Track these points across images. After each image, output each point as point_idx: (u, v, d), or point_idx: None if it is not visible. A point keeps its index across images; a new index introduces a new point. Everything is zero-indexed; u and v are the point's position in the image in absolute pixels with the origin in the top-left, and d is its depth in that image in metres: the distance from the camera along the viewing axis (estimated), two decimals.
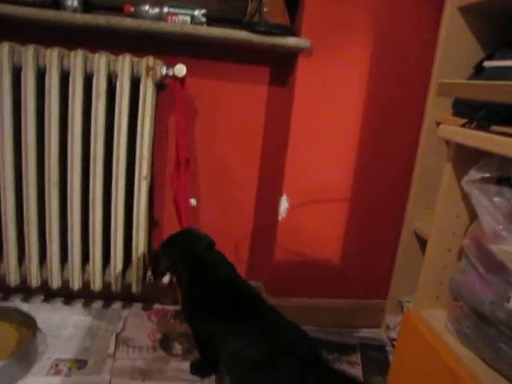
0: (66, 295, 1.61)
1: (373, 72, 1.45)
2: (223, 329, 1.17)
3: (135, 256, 1.49)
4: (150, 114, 1.38)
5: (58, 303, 1.61)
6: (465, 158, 0.91)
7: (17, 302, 1.58)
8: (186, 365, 1.37)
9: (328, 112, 1.46)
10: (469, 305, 0.86)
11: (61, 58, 1.33)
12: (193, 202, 1.55)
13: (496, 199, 0.77)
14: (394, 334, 1.52)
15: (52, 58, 1.31)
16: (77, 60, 1.33)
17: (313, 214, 1.54)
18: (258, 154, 1.59)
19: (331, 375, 1.16)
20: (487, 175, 0.82)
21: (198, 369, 1.36)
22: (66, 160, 1.39)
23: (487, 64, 0.92)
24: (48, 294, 1.61)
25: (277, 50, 1.47)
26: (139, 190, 1.43)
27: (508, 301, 0.75)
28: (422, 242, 1.53)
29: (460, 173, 0.93)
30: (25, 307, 1.53)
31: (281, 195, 1.52)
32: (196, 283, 1.26)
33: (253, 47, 1.47)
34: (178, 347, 1.45)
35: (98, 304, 1.63)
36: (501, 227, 0.75)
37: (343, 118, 1.47)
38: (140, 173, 1.42)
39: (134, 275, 1.52)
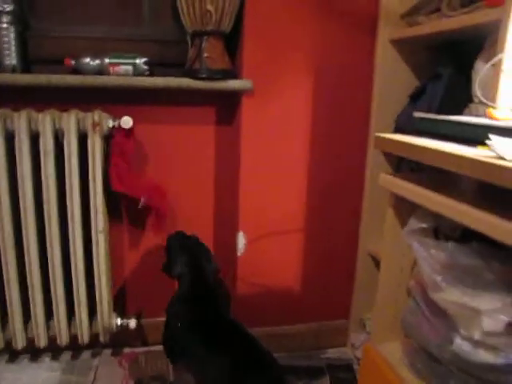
0: (33, 351, 1.59)
1: (315, 104, 1.50)
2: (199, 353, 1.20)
3: (99, 307, 1.49)
4: (99, 167, 1.39)
5: (25, 361, 1.59)
6: (405, 206, 0.98)
7: None
8: None
9: (276, 147, 1.51)
10: (419, 343, 0.93)
11: (4, 120, 1.31)
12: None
13: (433, 251, 0.83)
14: (359, 353, 1.58)
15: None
16: (21, 121, 1.32)
17: (271, 245, 1.59)
18: (212, 192, 1.62)
19: None
20: (424, 226, 0.88)
21: None
22: (20, 221, 1.38)
23: (417, 115, 0.98)
24: (13, 352, 1.59)
25: (220, 92, 1.50)
26: (97, 244, 1.44)
27: (451, 343, 0.82)
28: (377, 262, 1.60)
29: (402, 218, 1.00)
30: None
31: (237, 232, 1.56)
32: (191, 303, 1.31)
33: (197, 91, 1.50)
34: None
35: (66, 356, 1.62)
36: (439, 278, 0.81)
37: (291, 151, 1.52)
38: (96, 227, 1.43)
39: (100, 325, 1.52)
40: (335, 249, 1.64)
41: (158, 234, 1.61)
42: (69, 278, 1.46)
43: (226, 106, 1.56)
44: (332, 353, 1.69)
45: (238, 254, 1.57)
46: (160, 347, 1.50)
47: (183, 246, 1.39)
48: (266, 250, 1.59)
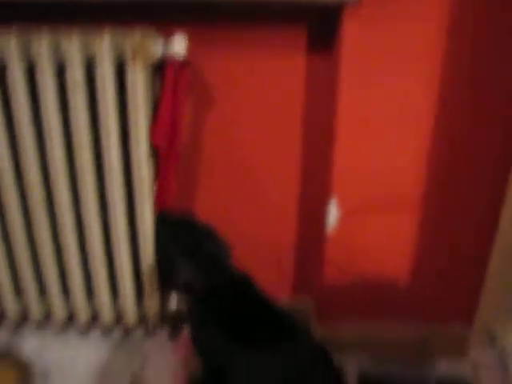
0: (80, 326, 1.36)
1: (453, 28, 1.00)
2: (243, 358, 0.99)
3: (147, 282, 1.21)
4: (143, 107, 1.04)
5: (73, 335, 1.36)
6: None
7: (26, 335, 1.35)
8: None
9: (388, 87, 1.05)
10: None
11: (23, 46, 1.01)
12: None
13: None
14: (485, 376, 1.14)
15: (11, 46, 1.00)
16: (42, 47, 1.00)
17: (373, 221, 1.17)
18: (295, 146, 1.21)
19: None
20: None
21: None
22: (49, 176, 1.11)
23: None
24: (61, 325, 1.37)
25: (310, 7, 1.05)
26: (142, 214, 1.12)
27: None
28: None
29: None
30: (36, 341, 1.32)
31: (329, 200, 1.15)
32: (220, 310, 1.03)
33: (277, 4, 1.07)
34: None
35: (117, 333, 1.37)
36: None
37: (410, 95, 1.06)
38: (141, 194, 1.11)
39: (148, 305, 1.24)
40: (461, 234, 1.18)
41: None
42: (110, 248, 1.18)
43: (319, 28, 1.10)
44: (443, 364, 1.27)
45: (328, 229, 1.17)
46: None
47: (177, 237, 1.06)
48: (366, 226, 1.17)
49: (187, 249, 1.05)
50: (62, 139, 1.08)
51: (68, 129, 1.07)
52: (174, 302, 1.22)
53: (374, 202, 1.14)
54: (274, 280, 1.35)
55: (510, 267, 1.15)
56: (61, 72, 1.03)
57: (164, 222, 1.11)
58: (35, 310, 1.26)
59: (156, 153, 1.11)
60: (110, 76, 1.02)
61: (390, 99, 1.06)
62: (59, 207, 1.13)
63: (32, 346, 1.31)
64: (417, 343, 1.29)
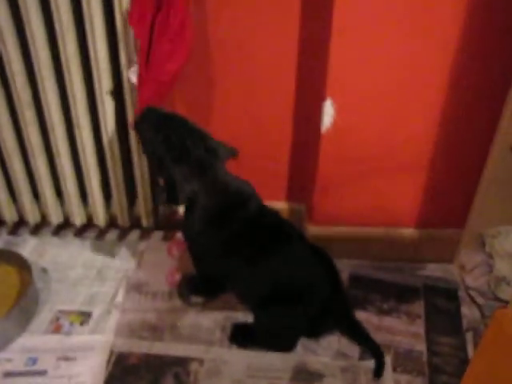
0: (78, 227, 1.38)
1: None
2: (246, 264, 1.01)
3: (140, 186, 1.20)
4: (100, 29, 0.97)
5: (68, 237, 1.39)
6: None
7: (25, 236, 1.38)
8: (204, 318, 1.14)
9: None
10: None
11: None
12: (132, 75, 1.04)
13: None
14: (469, 281, 1.18)
15: None
16: None
17: (368, 121, 1.13)
18: (296, 37, 1.13)
19: (354, 330, 1.08)
20: None
21: (192, 288, 1.19)
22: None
23: None
24: (60, 226, 1.39)
25: None
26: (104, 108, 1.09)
27: None
28: None
29: None
30: (32, 243, 1.35)
31: (324, 99, 1.11)
32: (219, 217, 1.01)
33: None
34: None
35: (113, 235, 1.40)
36: None
37: None
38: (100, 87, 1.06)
39: (141, 207, 1.25)
40: (458, 134, 1.14)
41: None
42: (101, 152, 1.17)
43: None
44: (433, 270, 1.30)
45: (323, 129, 1.14)
46: None
47: (169, 145, 0.97)
48: (361, 126, 1.14)
49: (180, 153, 0.98)
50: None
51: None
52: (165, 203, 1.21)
53: (372, 99, 1.09)
54: (271, 187, 1.34)
55: (502, 175, 1.14)
56: None
57: (152, 116, 0.99)
58: (31, 213, 1.27)
59: None
60: None
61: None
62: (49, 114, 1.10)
63: (30, 247, 1.33)
64: (409, 247, 1.30)
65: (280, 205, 1.36)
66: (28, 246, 1.33)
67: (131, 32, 1.01)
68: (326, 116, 1.12)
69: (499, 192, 1.17)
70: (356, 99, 1.10)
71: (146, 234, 1.40)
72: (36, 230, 1.39)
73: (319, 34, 1.08)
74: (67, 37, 0.99)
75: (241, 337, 1.08)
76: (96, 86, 1.06)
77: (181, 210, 1.26)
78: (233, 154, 1.04)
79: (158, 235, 1.40)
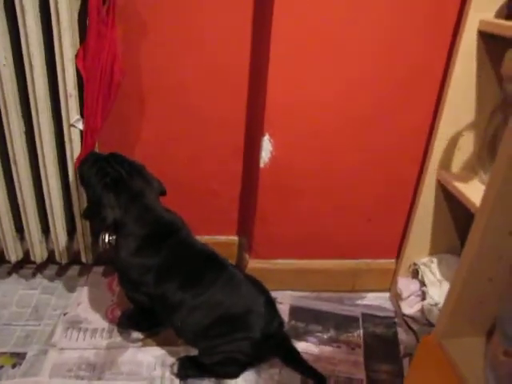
0: (11, 264, 1.32)
1: None
2: (181, 293, 1.01)
3: (78, 221, 1.18)
4: (67, 30, 0.98)
5: (1, 274, 1.33)
6: None
7: None
8: (146, 354, 1.12)
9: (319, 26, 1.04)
10: None
11: None
12: (76, 121, 1.08)
13: None
14: (405, 309, 1.22)
15: None
16: None
17: (304, 156, 1.18)
18: (246, 79, 1.18)
19: (292, 357, 1.08)
20: None
21: (131, 324, 1.18)
22: None
23: None
24: None
25: None
26: (70, 140, 1.08)
27: None
28: (448, 195, 1.18)
29: None
30: None
31: (262, 135, 1.15)
32: (150, 245, 1.02)
33: None
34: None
35: (51, 270, 1.36)
36: None
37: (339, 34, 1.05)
38: (68, 118, 1.06)
39: (81, 242, 1.22)
40: (391, 166, 1.21)
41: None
42: (40, 185, 1.14)
43: None
44: (371, 299, 1.34)
45: (261, 164, 1.18)
46: None
47: (103, 174, 1.00)
48: (297, 161, 1.18)
49: (111, 180, 1.00)
50: None
51: None
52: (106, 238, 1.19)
53: (306, 135, 1.15)
54: (213, 221, 1.35)
55: (432, 207, 1.21)
56: None
57: (93, 157, 1.05)
58: None
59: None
60: None
61: (326, 29, 1.04)
62: None
63: None
64: (347, 278, 1.34)
65: (222, 239, 1.37)
66: None
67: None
68: (263, 151, 1.16)
69: (429, 224, 1.24)
70: (292, 136, 1.15)
71: (85, 269, 1.36)
72: None
73: (260, 72, 1.12)
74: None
75: (188, 369, 1.07)
76: (35, 125, 1.05)
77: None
78: (163, 190, 1.07)
79: (97, 270, 1.37)
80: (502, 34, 0.93)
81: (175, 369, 1.06)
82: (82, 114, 1.06)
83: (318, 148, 1.17)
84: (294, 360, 1.08)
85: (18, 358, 1.09)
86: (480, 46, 1.03)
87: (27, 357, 1.09)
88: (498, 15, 0.99)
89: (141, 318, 1.16)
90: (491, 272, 0.63)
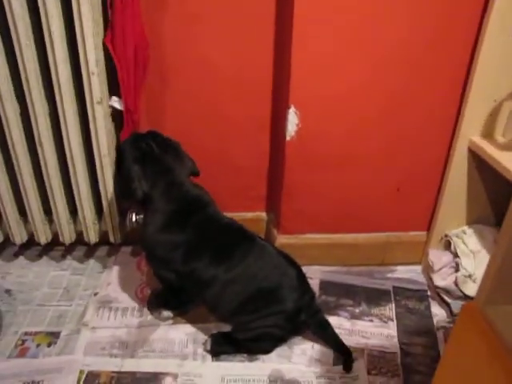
0: (39, 245, 1.33)
1: None
2: (212, 269, 1.00)
3: (105, 202, 1.18)
4: (88, 9, 0.96)
5: (33, 256, 1.35)
6: None
7: None
8: (175, 332, 1.12)
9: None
10: None
11: None
12: (115, 102, 1.09)
13: None
14: (437, 281, 1.20)
15: None
16: None
17: (331, 128, 1.15)
18: (271, 51, 1.15)
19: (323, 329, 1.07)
20: None
21: (161, 303, 1.17)
22: None
23: None
24: (21, 246, 1.34)
25: None
26: (94, 119, 1.07)
27: None
28: (480, 164, 1.14)
29: None
30: None
31: (287, 107, 1.13)
32: (177, 221, 1.02)
33: None
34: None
35: (78, 252, 1.37)
36: None
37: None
38: (91, 97, 1.05)
39: (108, 222, 1.22)
40: (420, 134, 1.17)
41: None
42: (67, 167, 1.14)
43: None
44: (402, 272, 1.32)
45: (287, 137, 1.15)
46: None
47: (135, 149, 1.02)
48: (324, 133, 1.15)
49: (140, 154, 1.02)
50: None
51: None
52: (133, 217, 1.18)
53: (332, 106, 1.12)
54: (242, 197, 1.34)
55: (463, 178, 1.17)
56: None
57: (132, 137, 1.07)
58: None
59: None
60: None
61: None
62: (10, 126, 1.07)
63: None
64: (377, 252, 1.32)
65: (250, 215, 1.36)
66: None
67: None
68: (289, 124, 1.14)
69: (461, 194, 1.21)
70: (318, 107, 1.12)
71: (114, 249, 1.37)
72: None
73: (284, 44, 1.09)
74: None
75: (221, 346, 1.07)
76: (58, 104, 1.05)
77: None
78: (195, 171, 1.07)
79: (126, 250, 1.38)
80: None
81: (208, 345, 1.06)
82: (117, 94, 1.07)
83: (344, 119, 1.13)
84: (326, 333, 1.06)
85: (52, 337, 1.11)
86: None
87: (61, 336, 1.11)
88: None
89: (169, 296, 1.16)
90: None
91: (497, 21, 0.99)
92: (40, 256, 1.35)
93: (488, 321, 0.62)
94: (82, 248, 1.37)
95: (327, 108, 1.12)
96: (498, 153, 1.05)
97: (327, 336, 1.06)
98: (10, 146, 1.10)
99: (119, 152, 1.07)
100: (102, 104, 1.05)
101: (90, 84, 1.03)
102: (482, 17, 1.02)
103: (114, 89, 1.08)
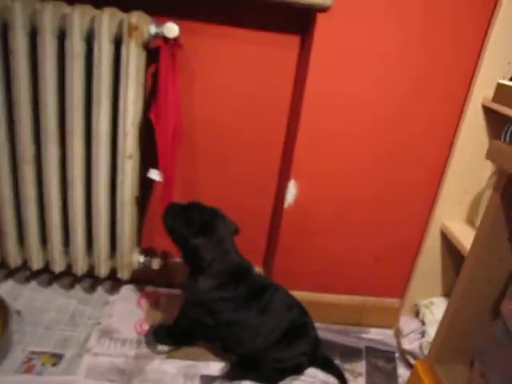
0: (52, 275, 1.47)
1: (406, 37, 1.17)
2: (255, 316, 1.18)
3: (120, 240, 1.33)
4: (134, 82, 1.16)
5: (44, 282, 1.48)
6: None
7: (1, 278, 1.46)
8: (168, 365, 1.25)
9: (350, 83, 1.21)
10: None
11: (28, 13, 1.10)
12: (154, 175, 1.25)
13: None
14: (405, 344, 1.34)
15: (16, 11, 1.09)
16: (45, 15, 1.10)
17: (324, 200, 1.33)
18: (280, 133, 1.36)
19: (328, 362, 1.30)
20: None
21: (164, 337, 1.32)
22: (40, 135, 1.21)
23: None
24: (33, 272, 1.48)
25: (289, 6, 1.19)
26: (123, 171, 1.24)
27: None
28: (448, 244, 1.32)
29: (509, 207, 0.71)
30: (8, 285, 1.43)
31: (289, 179, 1.31)
32: (230, 282, 1.18)
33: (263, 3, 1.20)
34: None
35: (85, 284, 1.50)
36: None
37: (368, 90, 1.21)
38: (123, 151, 1.22)
39: (119, 261, 1.37)
40: (400, 216, 1.36)
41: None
42: (90, 203, 1.30)
43: (295, 26, 1.25)
44: (375, 334, 1.47)
45: (286, 205, 1.33)
46: None
47: (190, 223, 1.16)
48: (317, 204, 1.34)
49: (199, 228, 1.16)
50: (56, 103, 1.18)
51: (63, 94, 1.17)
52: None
53: (326, 182, 1.30)
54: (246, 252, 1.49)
55: (437, 252, 1.35)
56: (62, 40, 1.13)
57: (174, 208, 1.21)
58: (13, 257, 1.36)
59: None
60: (106, 48, 1.13)
61: (350, 92, 1.21)
62: (47, 165, 1.23)
63: (5, 289, 1.41)
64: (354, 313, 1.47)
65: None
66: (3, 288, 1.41)
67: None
68: (289, 193, 1.32)
69: (432, 268, 1.37)
70: (313, 184, 1.31)
71: (118, 285, 1.51)
72: (12, 274, 1.47)
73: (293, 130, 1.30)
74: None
75: (237, 372, 1.24)
76: (94, 153, 1.22)
77: (155, 265, 1.40)
78: (236, 230, 1.23)
79: (129, 287, 1.52)
80: None
81: (225, 372, 1.24)
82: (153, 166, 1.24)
83: (335, 198, 1.32)
84: (328, 363, 1.28)
85: (56, 358, 1.23)
86: None
87: (65, 358, 1.23)
88: None
89: (174, 334, 1.32)
90: (475, 310, 0.77)
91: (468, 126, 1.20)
92: (50, 283, 1.48)
93: (435, 376, 0.78)
94: (88, 280, 1.50)
95: (321, 186, 1.30)
96: (462, 235, 1.23)
97: (331, 364, 1.28)
98: (44, 183, 1.25)
99: (167, 227, 1.20)
100: (131, 159, 1.23)
101: (124, 141, 1.21)
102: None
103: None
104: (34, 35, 1.13)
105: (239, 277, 1.19)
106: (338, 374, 1.26)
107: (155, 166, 1.24)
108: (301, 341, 1.22)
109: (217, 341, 1.29)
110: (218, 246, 1.16)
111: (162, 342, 1.30)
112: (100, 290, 1.49)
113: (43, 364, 1.20)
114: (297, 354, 1.22)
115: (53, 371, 1.19)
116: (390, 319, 1.47)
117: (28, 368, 1.19)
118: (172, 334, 1.31)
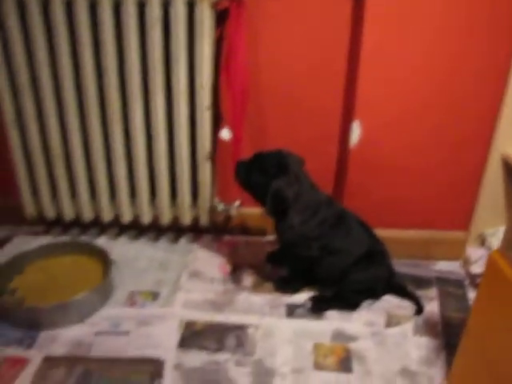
0: (137, 228, 1.63)
1: None
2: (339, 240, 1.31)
3: (202, 187, 1.47)
4: (208, 39, 1.29)
5: (132, 236, 1.65)
6: None
7: (93, 237, 1.63)
8: (255, 297, 1.37)
9: (411, 25, 1.28)
10: None
11: None
12: (225, 134, 1.39)
13: None
14: (474, 269, 1.41)
15: None
16: None
17: (388, 138, 1.41)
18: (340, 77, 1.44)
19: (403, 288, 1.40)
20: None
21: (285, 284, 1.42)
22: (125, 94, 1.36)
23: None
24: (121, 227, 1.65)
25: None
26: (202, 121, 1.38)
27: None
28: (511, 172, 1.37)
29: None
30: (101, 241, 1.60)
31: (352, 121, 1.40)
32: (317, 211, 1.29)
33: None
34: (247, 279, 1.45)
35: (167, 237, 1.65)
36: None
37: (426, 40, 1.29)
38: (202, 103, 1.35)
39: (201, 208, 1.50)
40: (462, 148, 1.42)
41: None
42: (173, 157, 1.44)
43: None
44: (443, 266, 1.54)
45: (351, 145, 1.42)
46: (258, 238, 1.59)
47: (265, 170, 1.26)
48: (381, 142, 1.42)
49: (275, 170, 1.26)
50: (139, 65, 1.32)
51: (145, 59, 1.31)
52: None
53: (390, 119, 1.38)
54: None
55: (500, 180, 1.41)
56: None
57: (243, 165, 1.31)
58: (106, 213, 1.52)
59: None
60: (181, 11, 1.26)
61: (411, 34, 1.29)
62: (133, 122, 1.38)
63: (99, 244, 1.58)
64: (422, 248, 1.55)
65: None
66: (97, 244, 1.58)
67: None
68: (353, 134, 1.41)
69: (494, 199, 1.43)
70: (377, 122, 1.39)
71: (198, 236, 1.65)
72: (104, 230, 1.65)
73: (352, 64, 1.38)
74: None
75: (320, 304, 1.35)
76: (174, 108, 1.36)
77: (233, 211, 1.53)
78: (303, 161, 1.32)
79: (207, 237, 1.66)
80: None
81: (309, 306, 1.34)
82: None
83: (398, 137, 1.40)
84: (403, 289, 1.38)
85: (154, 295, 1.38)
86: None
87: (162, 295, 1.37)
88: None
89: (294, 279, 1.43)
90: None
91: None
92: (137, 237, 1.64)
93: (510, 262, 0.85)
94: (170, 234, 1.66)
95: (385, 123, 1.38)
96: None
97: (406, 290, 1.38)
98: (132, 140, 1.40)
99: (242, 183, 1.31)
100: (209, 110, 1.36)
101: (200, 95, 1.34)
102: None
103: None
104: (117, 7, 1.27)
105: (323, 203, 1.30)
106: (413, 298, 1.34)
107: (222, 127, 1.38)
108: (377, 266, 1.32)
109: (318, 273, 1.37)
110: (297, 180, 1.26)
111: (285, 291, 1.40)
112: (183, 241, 1.64)
113: (144, 300, 1.36)
114: (373, 276, 1.32)
115: (153, 305, 1.34)
116: (456, 251, 1.54)
117: (132, 303, 1.34)
118: (290, 282, 1.42)
